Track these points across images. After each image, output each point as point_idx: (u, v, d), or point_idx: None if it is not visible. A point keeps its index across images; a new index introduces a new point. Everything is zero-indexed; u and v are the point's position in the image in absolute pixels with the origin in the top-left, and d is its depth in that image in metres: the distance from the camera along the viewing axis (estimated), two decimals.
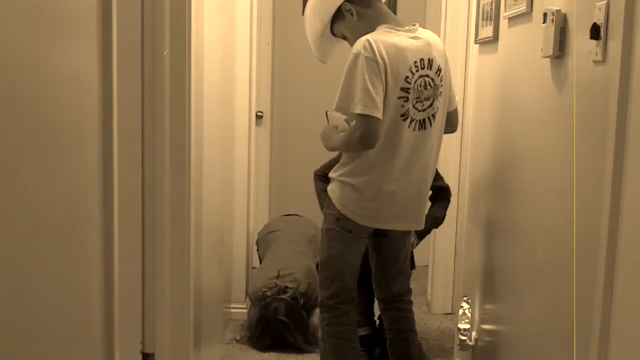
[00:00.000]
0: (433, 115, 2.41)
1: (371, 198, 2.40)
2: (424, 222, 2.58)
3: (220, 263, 3.26)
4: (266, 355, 3.21)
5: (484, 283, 2.73)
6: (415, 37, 2.39)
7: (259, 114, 3.77)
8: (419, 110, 2.37)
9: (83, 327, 1.25)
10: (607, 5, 1.43)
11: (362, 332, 2.99)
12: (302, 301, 3.24)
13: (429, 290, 3.93)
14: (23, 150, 0.98)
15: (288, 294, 3.23)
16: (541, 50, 1.85)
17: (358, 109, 2.23)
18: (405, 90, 2.32)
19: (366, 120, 2.25)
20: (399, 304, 2.68)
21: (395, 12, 3.53)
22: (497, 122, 2.58)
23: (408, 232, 2.62)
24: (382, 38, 2.31)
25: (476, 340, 2.81)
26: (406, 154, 2.38)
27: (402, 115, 2.34)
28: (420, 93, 2.36)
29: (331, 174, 2.51)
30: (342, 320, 2.57)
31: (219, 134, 3.01)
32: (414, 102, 2.35)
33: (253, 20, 3.52)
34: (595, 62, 1.50)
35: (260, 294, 3.26)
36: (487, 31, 2.69)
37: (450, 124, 2.56)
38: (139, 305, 1.64)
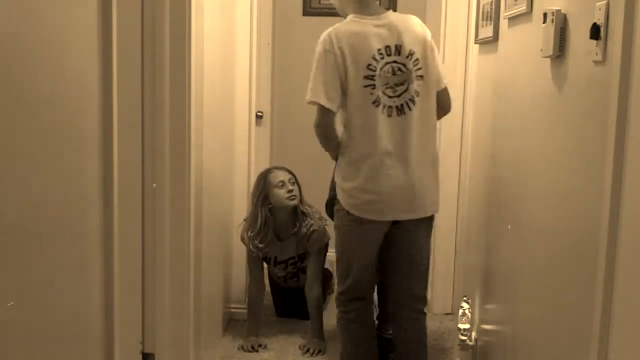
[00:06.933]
0: (411, 100, 2.44)
1: (371, 190, 2.45)
2: (432, 209, 2.57)
3: (220, 263, 3.26)
4: (265, 355, 3.21)
5: (484, 283, 2.73)
6: (382, 25, 2.45)
7: (259, 114, 3.77)
8: (391, 97, 2.42)
9: (83, 327, 1.25)
10: (607, 5, 1.43)
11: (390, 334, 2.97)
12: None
13: (429, 290, 3.92)
14: (22, 151, 0.98)
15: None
16: (541, 50, 1.85)
17: (307, 97, 2.44)
18: (370, 77, 2.39)
19: (317, 108, 2.43)
20: (407, 310, 2.68)
21: (395, 11, 3.52)
22: (497, 121, 2.58)
23: (420, 224, 2.57)
24: (346, 29, 2.43)
25: (476, 340, 2.81)
26: (390, 141, 2.42)
27: (373, 103, 2.41)
28: (389, 79, 2.41)
29: (335, 176, 2.60)
30: (351, 317, 2.63)
31: (219, 134, 3.01)
32: (383, 88, 2.41)
33: (253, 20, 3.52)
34: (595, 62, 1.50)
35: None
36: (487, 31, 2.69)
37: (442, 106, 2.57)
38: (139, 305, 1.64)
